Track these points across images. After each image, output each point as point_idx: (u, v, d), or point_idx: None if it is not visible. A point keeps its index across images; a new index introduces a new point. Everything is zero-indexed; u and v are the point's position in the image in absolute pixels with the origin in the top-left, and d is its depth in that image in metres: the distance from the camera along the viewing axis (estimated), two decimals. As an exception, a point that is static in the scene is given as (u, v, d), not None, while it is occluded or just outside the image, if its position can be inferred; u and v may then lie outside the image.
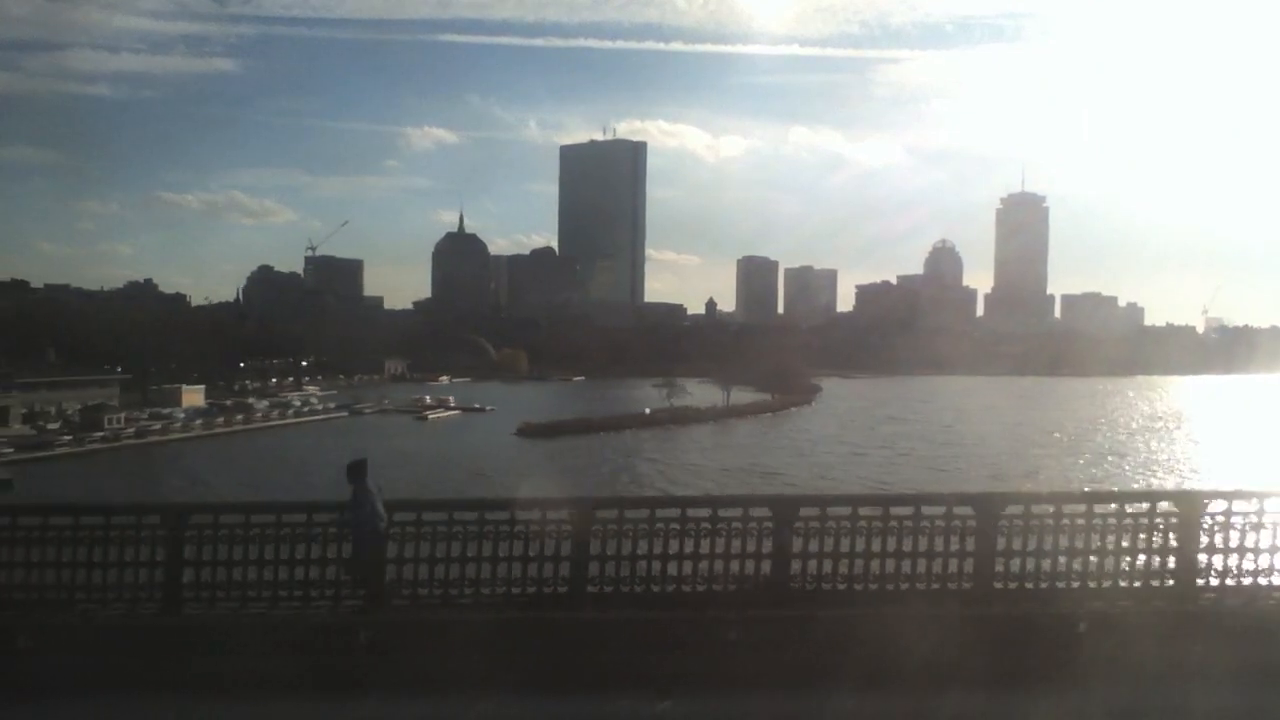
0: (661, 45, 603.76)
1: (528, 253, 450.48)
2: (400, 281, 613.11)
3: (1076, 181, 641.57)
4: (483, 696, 10.41)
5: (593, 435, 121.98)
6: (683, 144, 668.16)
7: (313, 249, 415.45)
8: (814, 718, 10.42)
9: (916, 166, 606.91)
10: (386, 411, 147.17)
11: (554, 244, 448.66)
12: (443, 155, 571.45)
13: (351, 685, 11.12)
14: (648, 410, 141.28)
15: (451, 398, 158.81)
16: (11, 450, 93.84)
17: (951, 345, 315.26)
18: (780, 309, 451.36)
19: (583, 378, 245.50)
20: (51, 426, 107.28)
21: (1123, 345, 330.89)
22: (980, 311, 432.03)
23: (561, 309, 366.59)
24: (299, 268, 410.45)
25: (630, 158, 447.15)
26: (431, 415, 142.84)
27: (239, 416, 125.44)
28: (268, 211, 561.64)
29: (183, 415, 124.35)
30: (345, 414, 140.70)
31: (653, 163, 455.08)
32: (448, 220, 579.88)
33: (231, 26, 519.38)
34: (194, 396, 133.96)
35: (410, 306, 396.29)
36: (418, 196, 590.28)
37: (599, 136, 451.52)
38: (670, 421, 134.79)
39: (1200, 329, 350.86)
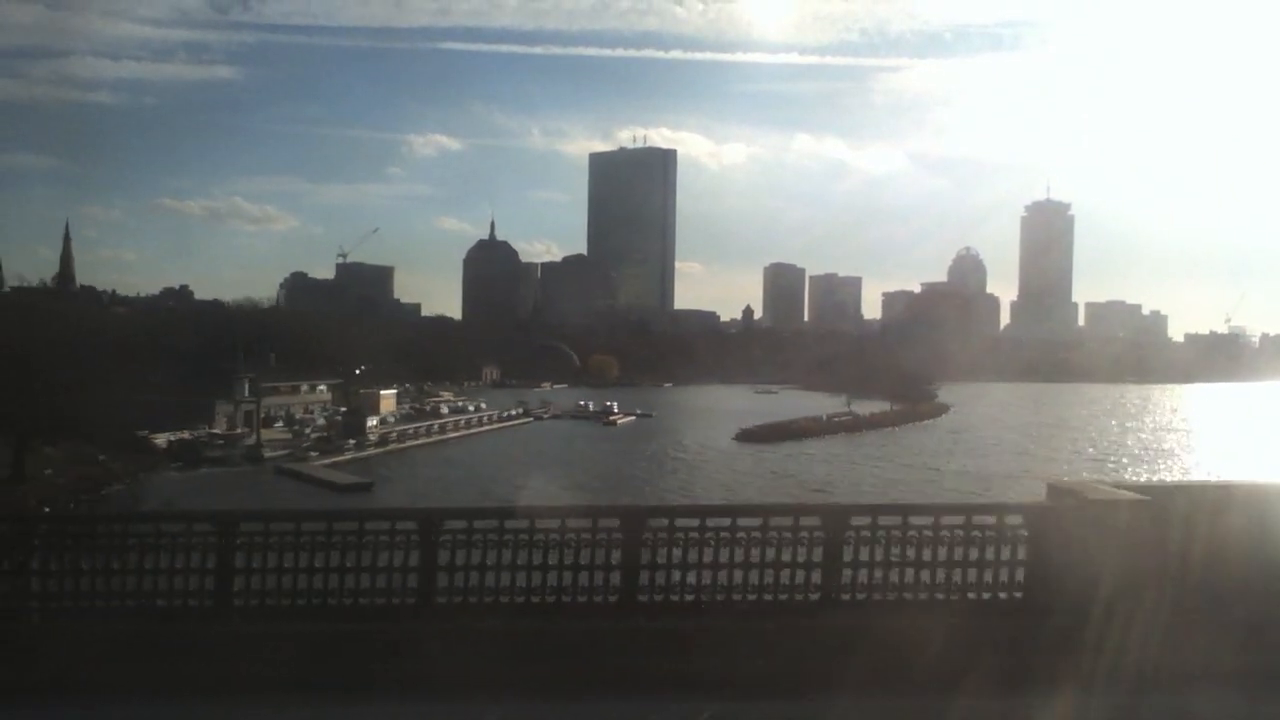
0: (661, 53, 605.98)
1: (544, 260, 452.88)
2: (412, 287, 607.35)
3: (1082, 188, 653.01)
4: None
5: (813, 440, 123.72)
6: (685, 151, 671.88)
7: (344, 255, 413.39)
8: None
9: (920, 175, 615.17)
10: (559, 417, 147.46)
11: (555, 249, 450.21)
12: (445, 162, 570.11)
13: None
14: (824, 416, 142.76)
15: (614, 403, 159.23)
16: (316, 454, 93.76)
17: (1004, 353, 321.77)
18: (806, 316, 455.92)
19: (670, 384, 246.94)
20: (309, 431, 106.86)
21: (1168, 352, 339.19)
22: (1006, 319, 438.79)
23: (605, 315, 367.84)
24: (313, 274, 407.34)
25: (660, 165, 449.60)
26: (619, 421, 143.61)
27: (430, 424, 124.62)
28: (270, 218, 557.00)
29: (393, 419, 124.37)
30: (530, 420, 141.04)
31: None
32: (449, 227, 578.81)
33: (232, 34, 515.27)
34: (389, 402, 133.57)
35: (445, 313, 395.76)
36: (419, 204, 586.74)
37: (602, 145, 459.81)
38: (865, 427, 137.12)
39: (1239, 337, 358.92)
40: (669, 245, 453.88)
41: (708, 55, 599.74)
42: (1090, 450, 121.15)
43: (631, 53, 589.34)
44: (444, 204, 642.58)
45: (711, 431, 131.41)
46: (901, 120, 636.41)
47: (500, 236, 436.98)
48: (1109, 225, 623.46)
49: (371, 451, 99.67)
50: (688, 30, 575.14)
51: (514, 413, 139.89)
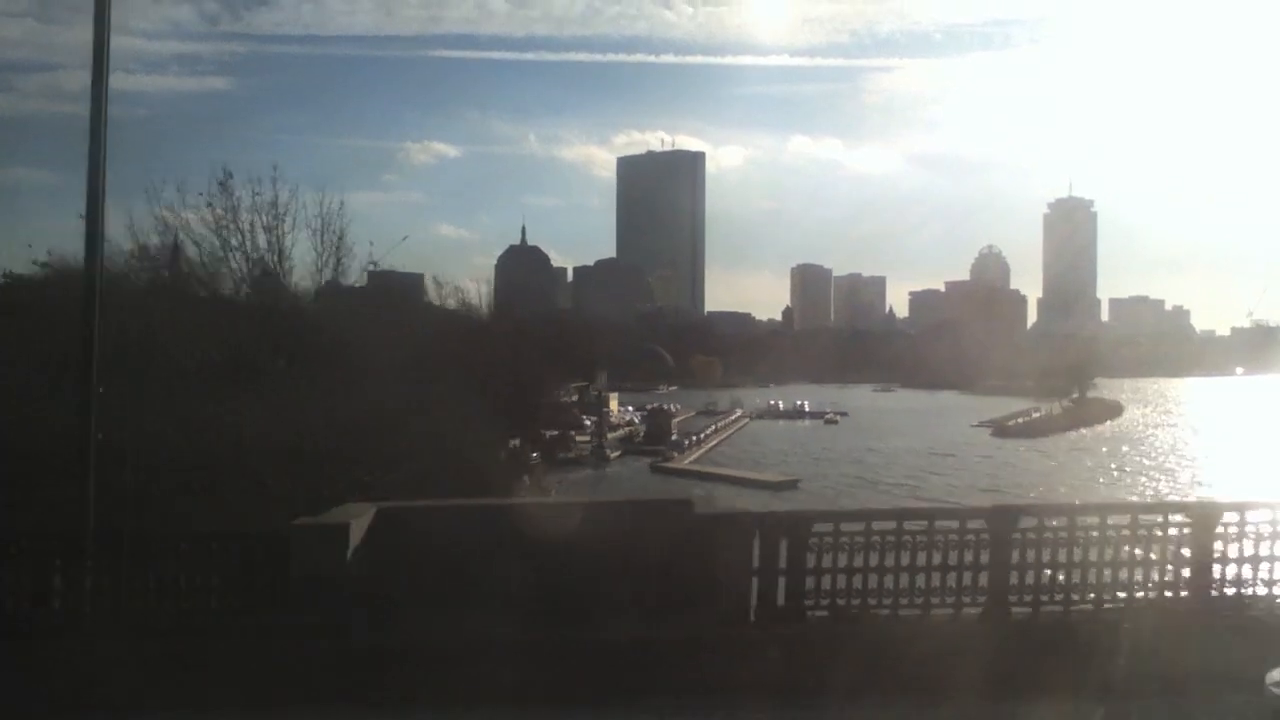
0: (652, 58, 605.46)
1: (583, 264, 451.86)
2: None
3: (1081, 183, 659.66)
4: None
5: (1061, 435, 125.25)
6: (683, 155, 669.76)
7: (375, 264, 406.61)
8: None
9: (918, 174, 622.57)
10: (762, 417, 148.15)
11: (555, 256, 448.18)
12: (443, 169, 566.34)
13: None
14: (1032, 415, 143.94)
15: (806, 402, 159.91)
16: (676, 454, 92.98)
17: (1052, 351, 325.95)
18: (831, 316, 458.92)
19: (772, 384, 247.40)
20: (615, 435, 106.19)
21: (1210, 347, 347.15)
22: (1033, 316, 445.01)
23: (650, 318, 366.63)
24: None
25: (689, 167, 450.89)
26: (838, 419, 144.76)
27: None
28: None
29: (637, 421, 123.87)
30: (747, 420, 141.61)
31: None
32: (448, 234, 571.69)
33: (224, 45, 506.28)
34: (615, 403, 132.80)
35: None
36: (417, 211, 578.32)
37: (601, 150, 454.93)
38: (1081, 425, 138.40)
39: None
40: (699, 247, 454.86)
41: (699, 59, 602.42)
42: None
43: (623, 57, 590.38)
44: (443, 212, 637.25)
45: (934, 429, 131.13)
46: (897, 121, 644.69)
47: (503, 242, 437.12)
48: (1118, 220, 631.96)
49: (699, 451, 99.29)
50: (678, 35, 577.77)
51: (736, 414, 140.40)
